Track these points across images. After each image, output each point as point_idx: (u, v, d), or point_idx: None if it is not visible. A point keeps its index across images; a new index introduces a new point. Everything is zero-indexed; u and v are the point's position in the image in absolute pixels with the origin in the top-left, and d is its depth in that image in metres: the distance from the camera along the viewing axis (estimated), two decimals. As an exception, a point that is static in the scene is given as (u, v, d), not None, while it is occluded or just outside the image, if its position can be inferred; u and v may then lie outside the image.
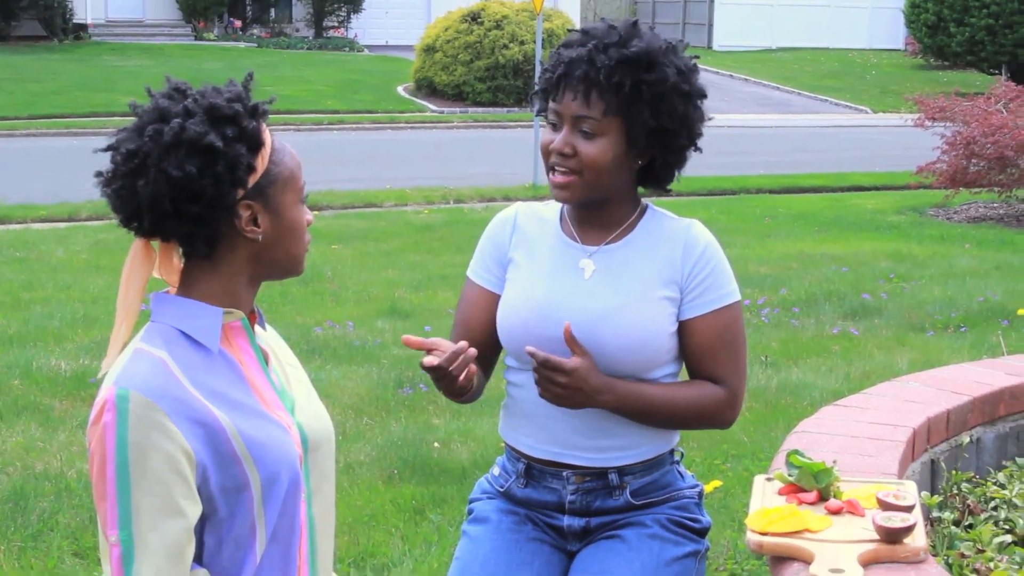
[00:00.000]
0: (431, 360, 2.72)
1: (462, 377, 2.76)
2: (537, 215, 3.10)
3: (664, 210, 3.07)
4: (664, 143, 2.91)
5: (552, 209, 3.10)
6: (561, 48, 2.94)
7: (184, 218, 2.29)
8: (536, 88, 3.01)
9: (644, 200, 3.07)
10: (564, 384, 2.80)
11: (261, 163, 2.34)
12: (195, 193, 2.27)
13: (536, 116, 3.01)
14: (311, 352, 7.89)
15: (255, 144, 2.33)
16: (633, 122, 2.85)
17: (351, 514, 5.25)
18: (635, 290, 2.94)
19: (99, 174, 2.35)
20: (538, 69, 3.36)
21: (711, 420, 2.99)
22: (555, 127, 2.92)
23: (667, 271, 2.95)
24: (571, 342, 2.82)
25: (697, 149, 3.00)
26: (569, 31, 3.01)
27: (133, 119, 2.34)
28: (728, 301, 2.97)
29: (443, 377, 2.75)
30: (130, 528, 2.21)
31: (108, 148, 2.34)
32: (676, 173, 3.02)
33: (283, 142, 2.42)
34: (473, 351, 2.76)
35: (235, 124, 2.30)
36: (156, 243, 2.37)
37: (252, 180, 2.33)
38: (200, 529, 2.31)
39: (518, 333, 2.97)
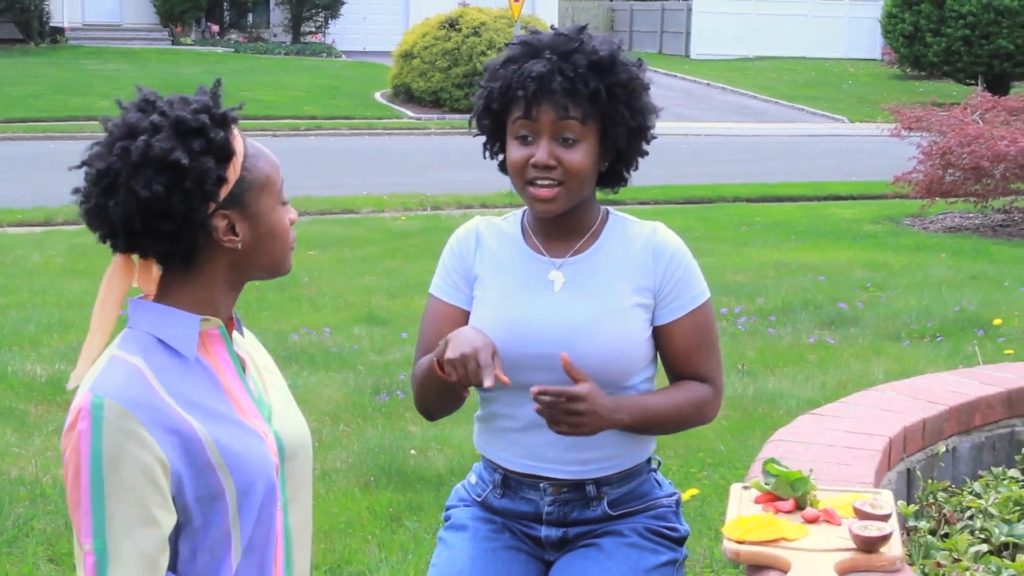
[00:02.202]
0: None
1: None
2: (498, 230, 3.08)
3: (625, 214, 3.07)
4: (637, 139, 2.94)
5: (511, 223, 3.09)
6: (509, 64, 2.89)
7: (157, 236, 2.28)
8: (487, 106, 2.93)
9: (603, 206, 3.07)
10: (583, 411, 2.75)
11: (233, 172, 2.31)
12: (165, 211, 2.25)
13: (481, 134, 2.93)
14: (288, 358, 7.87)
15: (225, 155, 2.30)
16: (613, 124, 2.86)
17: (327, 521, 5.24)
18: (608, 300, 2.93)
19: (77, 191, 2.33)
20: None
21: (702, 418, 3.00)
22: (526, 141, 2.89)
23: (639, 278, 2.95)
24: (571, 370, 2.77)
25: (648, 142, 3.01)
26: (506, 45, 2.99)
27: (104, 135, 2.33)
28: (701, 301, 2.98)
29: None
30: (104, 537, 2.20)
31: (81, 165, 2.32)
32: (630, 172, 3.04)
33: (258, 146, 2.40)
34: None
35: (202, 136, 2.27)
36: (136, 257, 2.36)
37: (224, 191, 2.30)
38: (175, 537, 2.30)
39: None
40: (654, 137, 3.00)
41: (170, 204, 2.24)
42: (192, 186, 2.25)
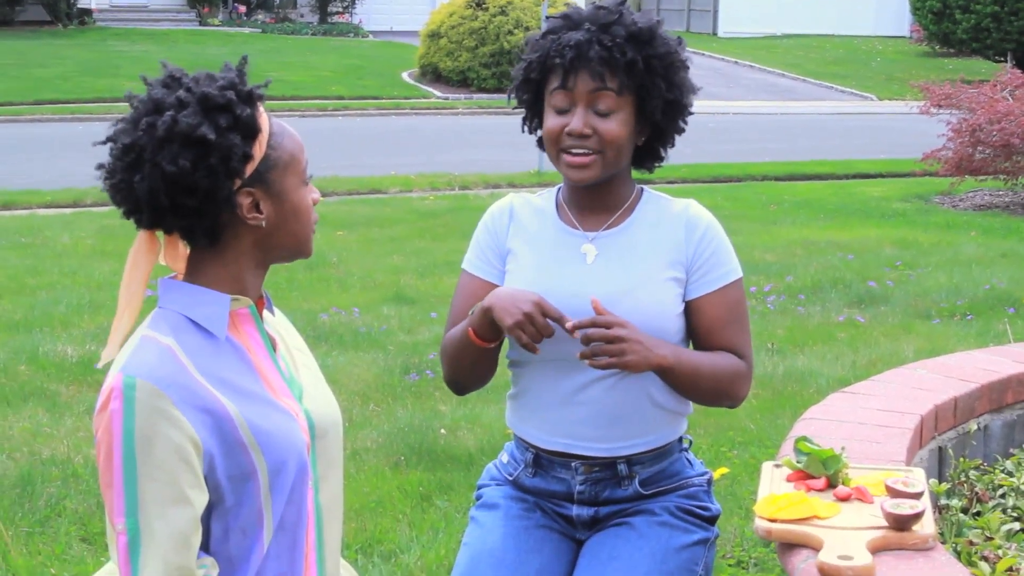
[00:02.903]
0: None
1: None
2: (532, 205, 3.09)
3: (659, 192, 3.07)
4: (673, 115, 2.95)
5: (546, 198, 3.09)
6: (550, 35, 2.93)
7: (182, 212, 2.28)
8: (526, 77, 2.96)
9: (638, 184, 3.07)
10: (625, 336, 2.75)
11: (258, 150, 2.31)
12: (190, 187, 2.25)
13: (520, 107, 2.99)
14: (317, 338, 7.89)
15: (251, 132, 2.30)
16: (649, 96, 2.88)
17: (358, 500, 5.26)
18: (640, 273, 2.93)
19: (101, 166, 2.34)
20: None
21: (735, 391, 2.97)
22: (561, 112, 2.91)
23: (672, 252, 2.95)
24: (604, 313, 2.78)
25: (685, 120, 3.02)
26: (547, 18, 3.01)
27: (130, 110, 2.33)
28: (734, 277, 2.98)
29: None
30: (136, 516, 2.20)
31: (107, 140, 2.32)
32: (666, 151, 3.04)
33: (283, 124, 2.40)
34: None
35: (229, 112, 2.27)
36: (160, 234, 2.36)
37: (250, 168, 2.30)
38: (207, 517, 2.31)
39: None
40: (691, 114, 3.00)
41: (195, 180, 2.24)
42: (218, 162, 2.25)
